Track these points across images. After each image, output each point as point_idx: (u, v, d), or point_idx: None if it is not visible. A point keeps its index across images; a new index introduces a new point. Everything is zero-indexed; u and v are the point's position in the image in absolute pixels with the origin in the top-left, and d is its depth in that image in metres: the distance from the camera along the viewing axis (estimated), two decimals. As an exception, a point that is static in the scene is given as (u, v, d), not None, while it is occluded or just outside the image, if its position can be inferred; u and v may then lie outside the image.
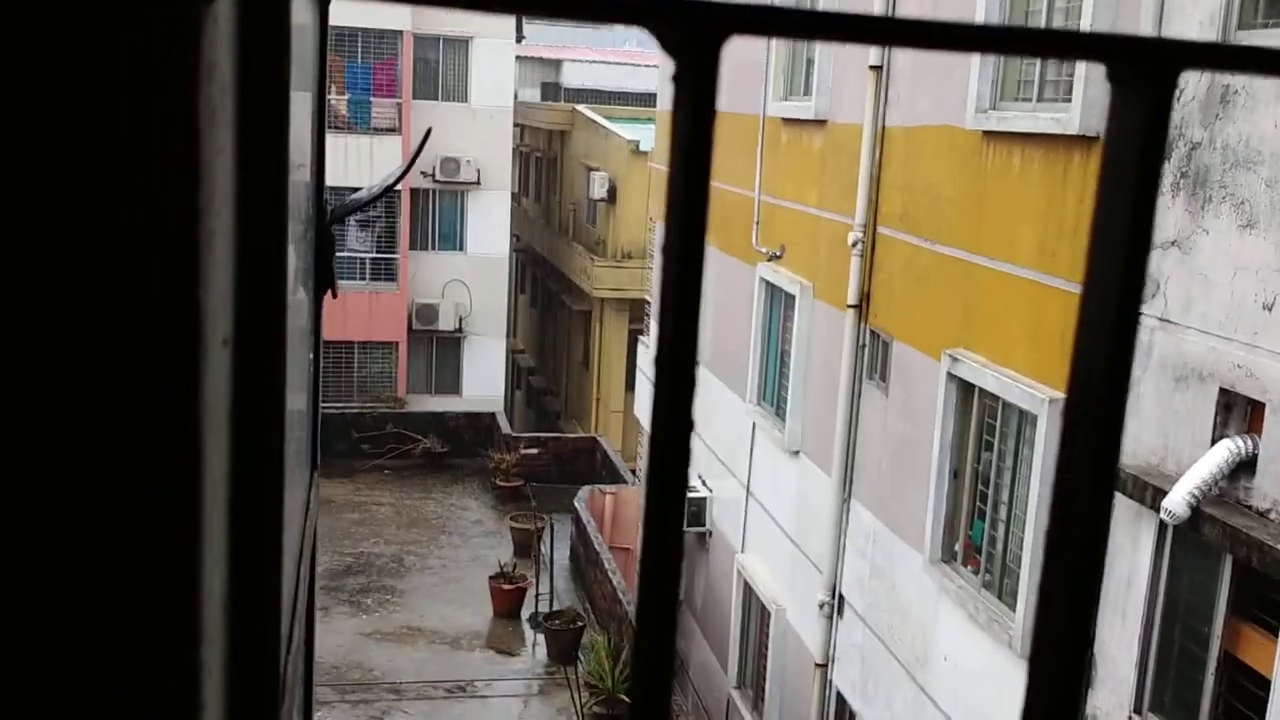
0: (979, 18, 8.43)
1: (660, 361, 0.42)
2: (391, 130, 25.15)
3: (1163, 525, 6.44)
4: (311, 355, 2.14)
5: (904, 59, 9.80)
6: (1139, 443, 6.79)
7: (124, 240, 0.52)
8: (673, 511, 0.43)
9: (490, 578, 17.79)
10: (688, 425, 0.44)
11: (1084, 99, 7.22)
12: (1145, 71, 0.43)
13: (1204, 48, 0.45)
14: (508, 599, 17.55)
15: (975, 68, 8.46)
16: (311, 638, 2.60)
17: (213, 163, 0.59)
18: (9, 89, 0.49)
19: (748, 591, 13.12)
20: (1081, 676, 0.47)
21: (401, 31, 24.90)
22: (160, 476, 0.55)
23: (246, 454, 0.78)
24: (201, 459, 0.57)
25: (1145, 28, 6.72)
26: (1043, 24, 7.97)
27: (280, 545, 1.02)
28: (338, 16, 25.19)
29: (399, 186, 24.93)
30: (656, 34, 0.39)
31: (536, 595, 17.46)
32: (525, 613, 17.60)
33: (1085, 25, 7.24)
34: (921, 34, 0.42)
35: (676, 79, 0.39)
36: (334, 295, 2.10)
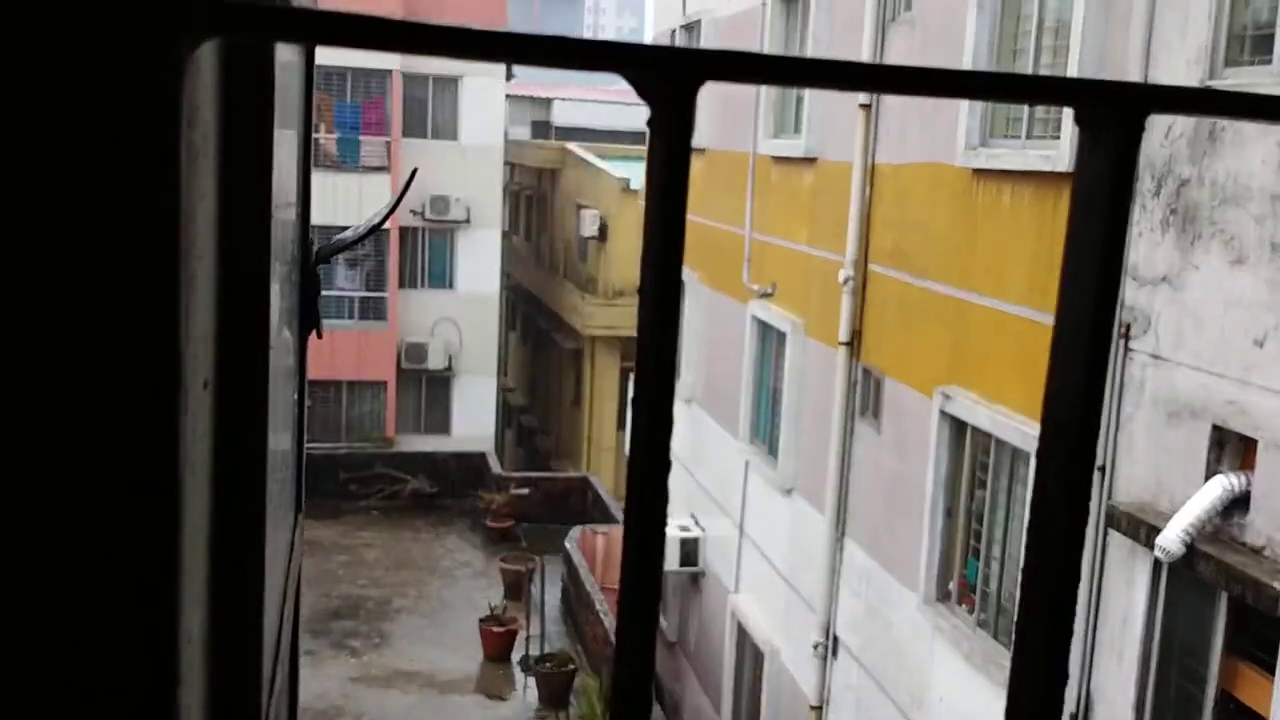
0: (967, 56, 8.48)
1: (638, 401, 0.40)
2: (381, 169, 25.23)
3: (1158, 563, 6.40)
4: (296, 396, 2.11)
5: (893, 97, 9.86)
6: (1132, 480, 6.76)
7: (102, 284, 0.52)
8: (652, 550, 0.41)
9: (480, 620, 17.63)
10: (665, 463, 0.43)
11: (1073, 136, 7.25)
12: (1113, 115, 0.44)
13: (1170, 91, 0.46)
14: (498, 642, 17.38)
15: (964, 105, 8.51)
16: (295, 681, 2.56)
17: (193, 207, 0.58)
18: None
19: (741, 632, 13.02)
20: (1060, 708, 0.46)
21: (391, 70, 25.04)
22: (137, 518, 0.56)
23: (228, 496, 0.77)
24: (179, 501, 0.57)
25: (1133, 65, 6.76)
26: (1030, 61, 8.03)
27: (262, 588, 1.00)
28: (326, 56, 25.41)
29: (387, 225, 24.97)
30: (632, 81, 0.38)
31: (527, 638, 17.30)
32: (516, 656, 17.43)
33: (1073, 62, 7.28)
34: (893, 79, 0.43)
35: (651, 124, 0.38)
36: (319, 336, 2.07)
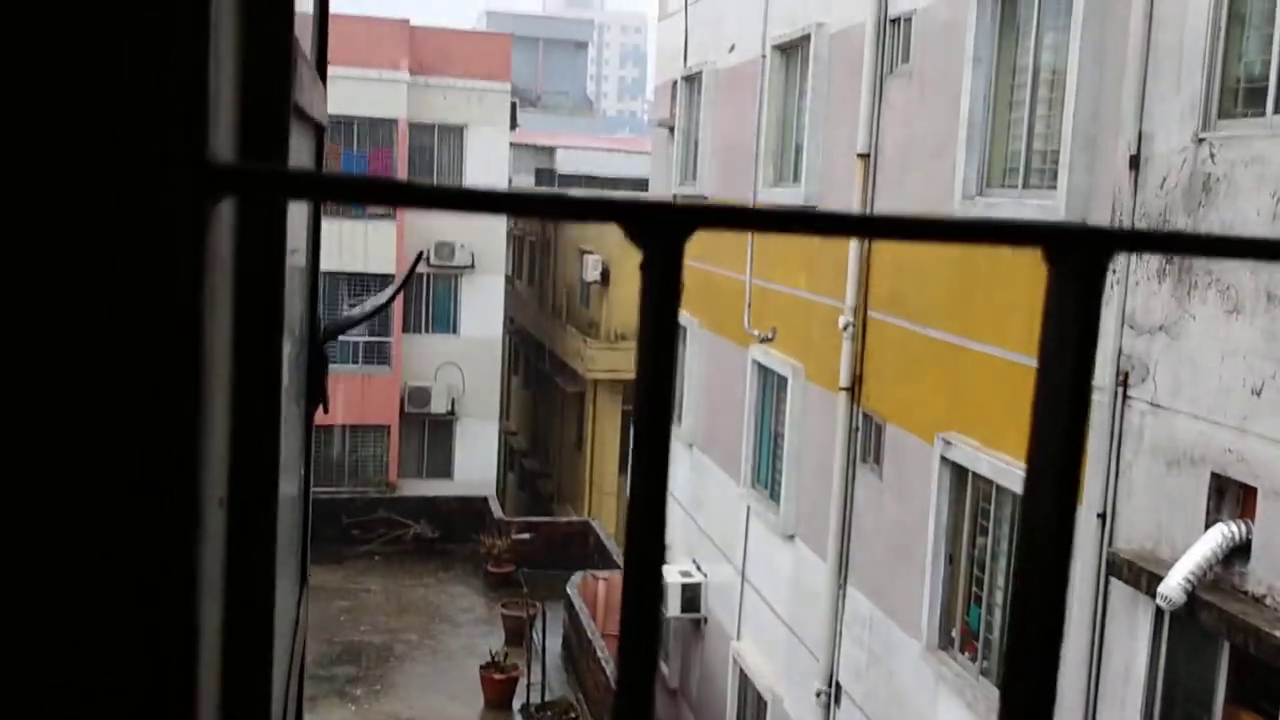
0: (964, 107, 8.59)
1: (629, 553, 0.44)
2: (387, 216, 25.41)
3: (1159, 611, 6.40)
4: (302, 471, 2.14)
5: (891, 146, 9.97)
6: (1133, 527, 6.78)
7: (124, 417, 0.55)
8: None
9: (481, 667, 17.52)
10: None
11: (1069, 186, 7.34)
12: (1079, 254, 0.46)
13: (1133, 234, 0.50)
14: (499, 689, 17.27)
15: (961, 154, 8.61)
16: None
17: (212, 346, 0.62)
18: (24, 280, 0.53)
19: (743, 680, 12.94)
20: None
21: (397, 120, 25.30)
22: (156, 645, 0.57)
23: (236, 608, 0.80)
24: (197, 622, 0.59)
25: (1127, 117, 6.86)
26: (1026, 113, 8.13)
27: (269, 698, 1.02)
28: (335, 105, 25.55)
29: (393, 272, 25.11)
30: (627, 231, 0.42)
31: (528, 685, 17.18)
32: (517, 703, 17.30)
33: (1068, 114, 7.38)
34: (864, 226, 0.46)
35: (643, 267, 0.42)
36: (325, 411, 2.11)
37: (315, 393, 2.00)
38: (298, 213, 1.63)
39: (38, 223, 0.53)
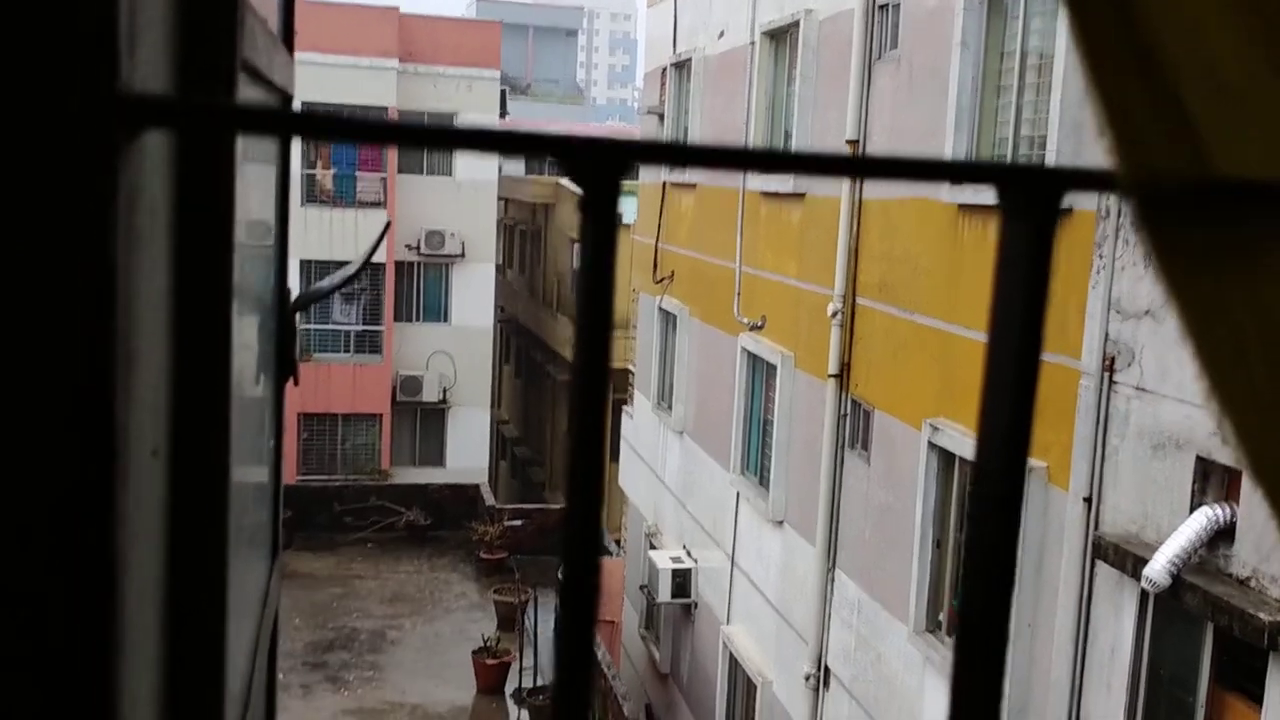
0: (951, 93, 8.61)
1: (570, 476, 0.45)
2: (377, 204, 25.36)
3: (1144, 594, 6.44)
4: (273, 441, 2.13)
5: (880, 131, 9.98)
6: (1118, 511, 6.82)
7: (34, 362, 0.53)
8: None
9: (474, 652, 17.57)
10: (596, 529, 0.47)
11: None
12: (1032, 196, 0.47)
13: (1087, 173, 0.49)
14: (491, 674, 17.32)
15: (949, 138, 8.63)
16: None
17: (137, 288, 0.61)
18: None
19: (733, 664, 13.00)
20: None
21: (387, 108, 25.22)
22: (73, 589, 0.55)
23: (183, 559, 0.79)
24: (115, 570, 0.57)
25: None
26: (1014, 97, 8.15)
27: (222, 658, 1.00)
28: (324, 93, 25.32)
29: (383, 260, 25.07)
30: (565, 168, 0.44)
31: (521, 670, 17.23)
32: (509, 688, 17.36)
33: (1055, 98, 7.39)
34: (819, 165, 0.46)
35: (583, 206, 0.44)
36: (295, 383, 2.11)
37: (285, 363, 2.00)
38: (261, 177, 1.64)
39: None
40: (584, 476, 0.45)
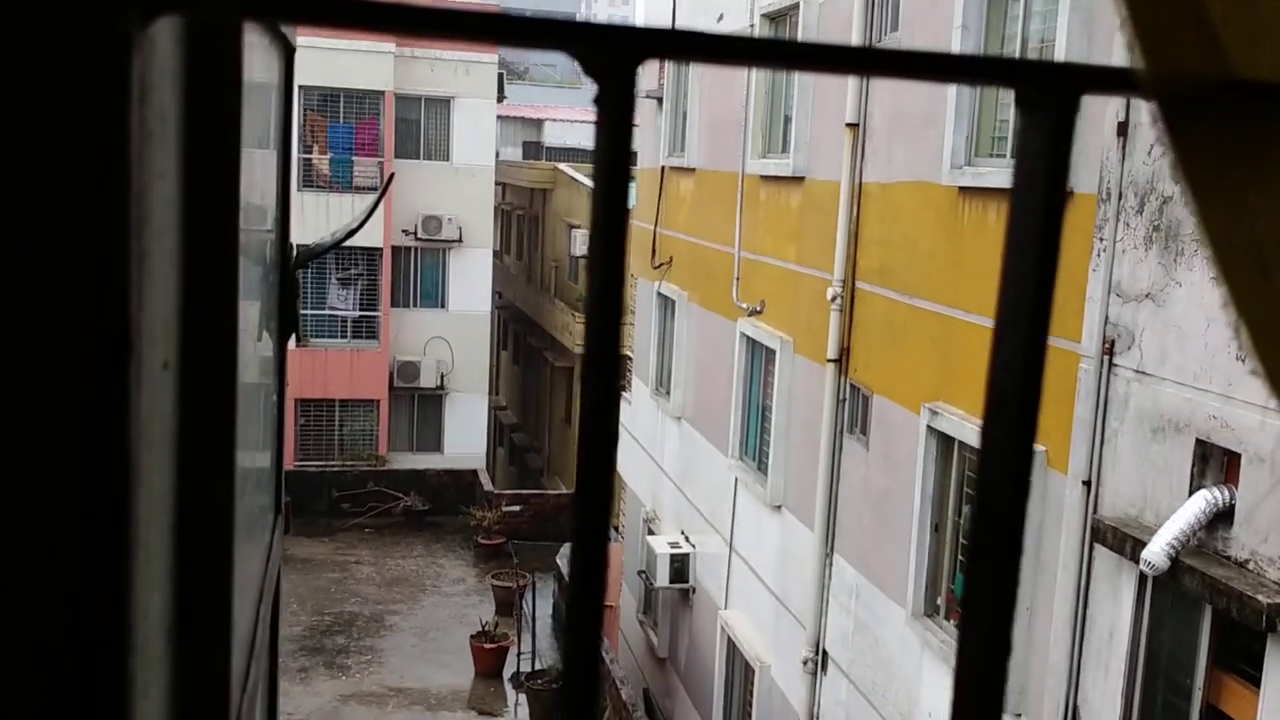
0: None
1: (586, 377, 0.43)
2: (374, 189, 25.28)
3: (1143, 577, 6.45)
4: (276, 398, 2.13)
5: (880, 116, 9.95)
6: (1117, 494, 6.81)
7: (50, 258, 0.52)
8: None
9: (472, 637, 17.59)
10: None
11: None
12: (1048, 94, 0.45)
13: (1105, 70, 0.47)
14: (489, 658, 17.35)
15: (950, 124, 8.60)
16: (275, 679, 2.56)
17: (147, 185, 0.59)
18: None
19: (731, 648, 13.02)
20: (1004, 681, 0.47)
21: (384, 92, 25.14)
22: (87, 491, 0.55)
23: (194, 479, 0.78)
24: (130, 477, 0.56)
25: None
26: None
27: (230, 570, 1.01)
28: (321, 77, 25.31)
29: (380, 245, 25.02)
30: (578, 58, 0.41)
31: (519, 654, 17.26)
32: (507, 672, 17.39)
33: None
34: (825, 57, 0.44)
35: (597, 100, 0.42)
36: (299, 342, 2.11)
37: (287, 319, 2.00)
38: (263, 161, 1.62)
39: None
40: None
